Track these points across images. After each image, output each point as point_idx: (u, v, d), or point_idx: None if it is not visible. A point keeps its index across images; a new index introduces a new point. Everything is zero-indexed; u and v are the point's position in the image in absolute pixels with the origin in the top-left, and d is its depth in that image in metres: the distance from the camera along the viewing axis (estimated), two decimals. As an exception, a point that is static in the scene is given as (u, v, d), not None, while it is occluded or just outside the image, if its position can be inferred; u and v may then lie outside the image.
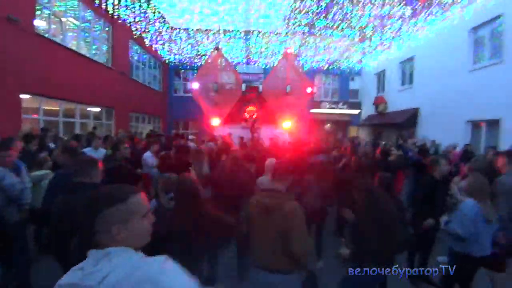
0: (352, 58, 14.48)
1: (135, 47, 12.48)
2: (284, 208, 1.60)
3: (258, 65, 15.04)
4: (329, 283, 2.70)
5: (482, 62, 8.58)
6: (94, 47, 9.53)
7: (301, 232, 1.60)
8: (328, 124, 17.53)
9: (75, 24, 8.56)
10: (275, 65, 11.65)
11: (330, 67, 15.67)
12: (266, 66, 14.85)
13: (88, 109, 9.41)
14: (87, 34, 9.16)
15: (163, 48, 13.12)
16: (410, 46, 11.80)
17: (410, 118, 11.37)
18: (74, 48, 8.29)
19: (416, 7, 8.78)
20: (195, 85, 9.55)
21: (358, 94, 17.34)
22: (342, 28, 10.38)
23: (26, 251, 2.81)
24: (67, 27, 8.13)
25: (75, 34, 8.59)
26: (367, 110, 15.93)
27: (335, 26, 10.32)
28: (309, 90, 10.06)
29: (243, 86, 10.09)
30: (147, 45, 12.43)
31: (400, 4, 8.64)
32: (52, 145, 5.04)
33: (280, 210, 1.60)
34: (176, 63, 15.14)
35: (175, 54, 14.03)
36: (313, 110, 16.39)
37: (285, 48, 11.24)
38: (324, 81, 17.35)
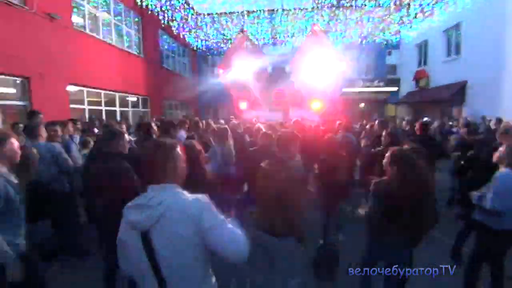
0: (389, 30, 13.24)
1: (164, 37, 12.88)
2: (281, 174, 1.65)
3: (285, 45, 14.58)
4: (351, 256, 2.68)
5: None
6: (127, 39, 10.06)
7: (292, 200, 1.63)
8: (362, 104, 16.60)
9: (108, 19, 9.07)
10: (302, 43, 11.20)
11: (363, 42, 14.56)
12: (293, 45, 14.33)
13: (127, 98, 10.12)
14: (120, 27, 9.68)
15: (190, 35, 13.34)
16: (456, 11, 10.37)
17: (457, 93, 10.22)
18: (109, 41, 8.85)
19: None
20: (221, 71, 9.66)
21: (396, 69, 15.99)
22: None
23: (75, 217, 3.32)
24: (101, 21, 8.66)
25: (109, 28, 9.13)
26: (407, 86, 14.66)
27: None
28: (339, 68, 9.55)
29: (270, 68, 9.94)
30: (175, 33, 12.74)
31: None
32: (96, 130, 5.61)
33: (278, 175, 1.65)
34: (203, 49, 15.34)
35: (202, 40, 14.20)
36: (346, 89, 15.56)
37: (312, 24, 10.66)
38: (358, 58, 16.23)
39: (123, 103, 9.89)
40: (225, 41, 13.94)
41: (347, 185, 3.60)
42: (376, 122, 5.10)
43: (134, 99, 10.66)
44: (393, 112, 15.47)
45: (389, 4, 10.15)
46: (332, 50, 10.46)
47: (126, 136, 2.51)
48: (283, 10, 10.25)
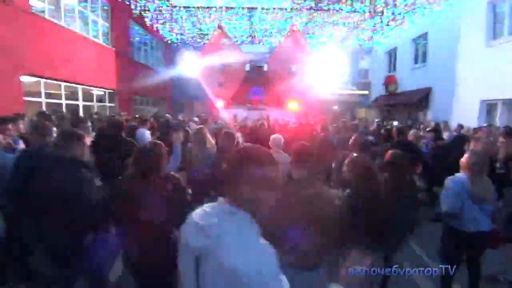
0: (362, 36, 13.76)
1: (136, 27, 12.11)
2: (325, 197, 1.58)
3: (263, 44, 14.49)
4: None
5: (500, 39, 7.99)
6: (93, 27, 9.27)
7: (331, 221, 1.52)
8: (336, 106, 17.10)
9: (72, 4, 8.26)
10: (280, 43, 11.19)
11: (339, 46, 14.98)
12: (271, 45, 14.30)
13: (91, 92, 9.33)
14: (85, 14, 8.87)
15: (164, 28, 12.70)
16: (424, 21, 11.07)
17: (423, 98, 10.91)
18: (72, 28, 8.06)
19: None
20: (198, 67, 9.30)
21: (368, 74, 16.71)
22: (352, 1, 9.74)
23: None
24: (64, 6, 7.85)
25: (73, 14, 8.32)
26: (377, 90, 15.39)
27: (343, 1, 9.69)
28: (315, 69, 9.67)
29: (247, 66, 9.78)
30: (148, 25, 12.04)
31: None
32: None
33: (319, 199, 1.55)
34: (178, 43, 14.72)
35: (177, 34, 13.60)
36: (321, 91, 15.90)
37: (291, 25, 10.69)
38: (333, 61, 16.64)
39: (87, 97, 9.10)
40: (201, 36, 13.49)
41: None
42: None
43: (100, 92, 9.87)
44: (363, 114, 16.14)
45: (365, 10, 10.48)
46: (309, 51, 10.59)
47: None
48: (262, 8, 10.12)
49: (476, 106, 8.50)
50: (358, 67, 16.72)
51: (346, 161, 2.15)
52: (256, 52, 14.70)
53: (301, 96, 10.14)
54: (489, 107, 8.40)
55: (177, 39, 14.20)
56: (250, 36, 13.35)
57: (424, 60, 11.61)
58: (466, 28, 8.99)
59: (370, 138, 4.63)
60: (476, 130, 6.17)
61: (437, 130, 5.93)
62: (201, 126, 4.14)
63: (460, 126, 6.90)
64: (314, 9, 10.38)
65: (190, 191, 2.06)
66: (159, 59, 14.91)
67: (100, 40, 9.51)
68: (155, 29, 12.68)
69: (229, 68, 9.47)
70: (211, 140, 3.54)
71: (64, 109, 7.74)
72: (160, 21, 11.88)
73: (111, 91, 10.27)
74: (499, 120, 7.86)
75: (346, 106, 16.81)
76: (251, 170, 0.87)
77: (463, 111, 8.74)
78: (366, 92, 16.34)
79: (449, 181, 2.41)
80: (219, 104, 9.14)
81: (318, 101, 15.66)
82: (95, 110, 9.07)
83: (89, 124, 3.26)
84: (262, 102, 10.46)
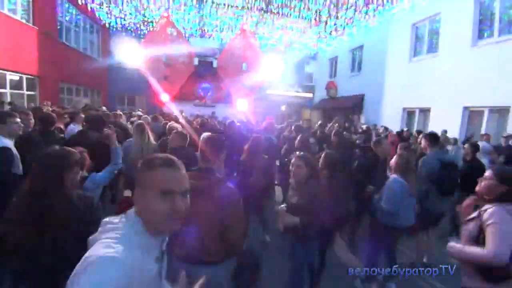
0: (308, 42, 14.59)
1: (66, 5, 10.51)
2: (217, 191, 1.46)
3: (213, 39, 14.14)
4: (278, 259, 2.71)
5: (419, 56, 9.42)
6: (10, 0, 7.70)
7: (237, 220, 1.47)
8: (284, 106, 17.81)
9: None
10: (231, 40, 11.08)
11: (287, 49, 15.60)
12: (222, 41, 14.06)
13: (6, 77, 7.74)
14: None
15: (102, 9, 11.31)
16: (360, 34, 12.33)
17: (357, 104, 12.16)
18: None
19: (368, -5, 9.02)
20: (140, 56, 8.54)
21: (313, 78, 17.84)
22: (299, 8, 10.22)
23: None
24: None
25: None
26: (320, 94, 16.56)
27: (292, 6, 10.10)
28: (265, 69, 9.86)
29: (196, 61, 9.41)
30: (80, 3, 10.55)
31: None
32: None
33: (212, 193, 1.44)
34: (118, 28, 13.30)
35: (117, 18, 12.26)
36: (269, 91, 16.38)
37: (242, 23, 10.68)
38: (281, 63, 17.29)
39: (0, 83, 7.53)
40: (145, 23, 12.43)
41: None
42: (293, 127, 5.47)
43: (16, 77, 8.27)
44: (308, 115, 17.21)
45: (310, 18, 11.10)
46: (258, 51, 10.76)
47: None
48: (213, 2, 9.84)
49: (399, 113, 9.86)
50: (304, 71, 17.70)
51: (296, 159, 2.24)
52: (205, 47, 14.29)
53: (250, 95, 10.24)
54: (409, 114, 9.83)
55: (116, 23, 12.79)
56: (200, 29, 12.88)
57: (359, 69, 12.94)
58: (394, 45, 10.34)
59: (311, 140, 4.91)
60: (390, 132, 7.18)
61: (366, 133, 6.63)
62: (141, 121, 3.81)
63: (385, 129, 7.90)
64: (264, 11, 10.54)
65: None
66: (93, 44, 13.23)
67: (17, 15, 7.95)
68: (89, 9, 11.18)
69: (175, 61, 8.97)
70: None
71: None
72: (96, 1, 10.53)
73: (31, 76, 8.70)
74: (416, 124, 9.28)
75: (292, 107, 17.65)
76: (142, 173, 0.83)
77: (389, 117, 10.04)
78: (311, 95, 17.44)
79: (390, 182, 2.66)
80: (164, 98, 8.58)
81: (267, 101, 16.10)
82: (8, 98, 7.56)
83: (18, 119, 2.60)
84: (210, 99, 10.18)
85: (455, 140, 6.35)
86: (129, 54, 9.46)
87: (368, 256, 2.83)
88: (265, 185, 3.40)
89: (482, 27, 7.35)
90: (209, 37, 13.83)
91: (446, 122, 7.60)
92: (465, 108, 7.58)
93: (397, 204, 2.56)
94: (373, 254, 2.83)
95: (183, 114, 8.07)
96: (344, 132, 5.49)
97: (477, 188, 1.74)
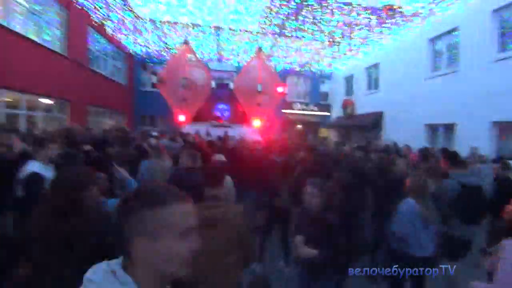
0: (323, 62, 14.79)
1: (96, 36, 11.51)
2: (232, 218, 1.48)
3: (230, 63, 14.75)
4: None
5: (439, 71, 9.18)
6: (47, 31, 8.56)
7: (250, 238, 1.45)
8: (299, 126, 17.79)
9: (23, 5, 7.59)
10: (247, 62, 11.48)
11: (301, 69, 15.88)
12: (238, 64, 14.62)
13: (39, 99, 8.42)
14: (37, 17, 8.18)
15: (128, 38, 12.27)
16: (375, 53, 12.35)
17: (375, 121, 11.87)
18: (21, 31, 7.34)
19: (381, 15, 9.12)
20: (160, 80, 9.04)
21: (328, 97, 17.82)
22: (313, 30, 10.49)
23: None
24: (13, 8, 7.17)
25: (23, 16, 7.61)
26: (336, 112, 16.42)
27: (305, 29, 10.40)
28: (280, 89, 10.02)
29: (213, 83, 9.77)
30: (109, 34, 11.52)
31: (366, 12, 8.89)
32: None
33: (228, 220, 1.46)
34: (142, 55, 14.29)
35: (141, 46, 13.21)
36: (285, 111, 16.49)
37: (257, 47, 11.09)
38: (296, 83, 17.55)
39: (32, 106, 8.19)
40: (167, 49, 13.27)
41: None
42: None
43: (48, 101, 8.97)
44: (325, 133, 16.99)
45: (324, 40, 11.33)
46: (273, 73, 11.02)
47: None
48: (230, 29, 10.38)
49: (421, 129, 9.48)
50: (320, 90, 17.78)
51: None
52: (222, 71, 14.89)
53: (266, 115, 10.35)
54: (432, 131, 9.41)
55: (141, 51, 13.77)
56: (218, 53, 13.52)
57: (376, 87, 12.78)
58: (411, 61, 10.18)
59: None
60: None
61: (386, 151, 6.37)
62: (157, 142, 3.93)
63: (408, 147, 7.56)
64: (278, 35, 10.92)
65: None
66: (120, 70, 14.22)
67: (51, 45, 8.78)
68: (117, 39, 12.18)
69: (194, 84, 9.36)
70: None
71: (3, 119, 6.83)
72: (123, 32, 11.46)
73: (62, 100, 9.41)
74: (440, 141, 8.83)
75: (308, 125, 17.56)
76: (144, 212, 0.65)
77: (410, 134, 9.64)
78: (327, 113, 17.33)
79: (401, 205, 2.48)
80: (181, 118, 8.87)
81: (282, 120, 16.18)
82: (41, 121, 8.18)
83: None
84: (226, 119, 10.40)
85: (483, 157, 5.93)
86: (152, 79, 10.04)
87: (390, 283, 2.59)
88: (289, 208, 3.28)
89: (505, 39, 7.11)
90: (226, 61, 14.45)
91: (474, 138, 7.19)
92: (494, 122, 7.15)
93: (406, 228, 2.34)
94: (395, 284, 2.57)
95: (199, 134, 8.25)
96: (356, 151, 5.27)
97: (504, 214, 1.56)
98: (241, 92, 9.85)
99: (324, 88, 17.89)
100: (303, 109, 17.11)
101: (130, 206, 0.66)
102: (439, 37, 9.23)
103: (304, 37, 11.27)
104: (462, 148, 6.80)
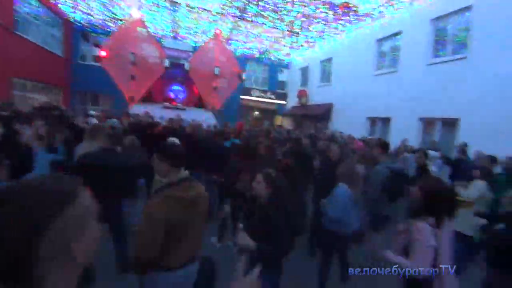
0: (281, 51, 15.01)
1: (24, -5, 9.71)
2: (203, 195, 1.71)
3: (187, 42, 13.96)
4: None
5: (382, 70, 10.11)
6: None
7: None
8: (256, 112, 18.00)
9: None
10: (205, 44, 11.02)
11: (261, 56, 15.90)
12: (195, 44, 13.94)
13: None
14: None
15: (66, 2, 10.66)
16: (330, 47, 12.98)
17: (326, 112, 12.65)
18: None
19: (337, 11, 9.54)
20: (103, 53, 8.15)
21: (285, 86, 18.29)
22: (273, 18, 10.49)
23: None
24: None
25: None
26: (292, 101, 17.00)
27: (266, 16, 10.34)
28: (238, 74, 9.91)
29: (167, 62, 9.17)
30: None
31: (324, 6, 9.20)
32: None
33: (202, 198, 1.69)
34: (84, 24, 12.61)
35: (83, 13, 11.63)
36: (243, 97, 16.48)
37: (216, 28, 10.69)
38: (255, 70, 17.56)
39: None
40: (114, 20, 11.92)
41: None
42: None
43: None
44: (280, 121, 17.54)
45: (284, 29, 11.44)
46: (232, 57, 10.81)
47: None
48: (187, 6, 9.72)
49: (364, 122, 10.44)
50: (278, 78, 18.11)
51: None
52: (178, 49, 14.04)
53: (222, 99, 10.19)
54: (372, 123, 10.43)
55: (82, 19, 12.13)
56: (173, 31, 12.65)
57: (328, 80, 13.54)
58: (360, 58, 10.98)
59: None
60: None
61: (331, 140, 6.90)
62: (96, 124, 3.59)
63: (350, 138, 8.29)
64: (239, 18, 10.66)
65: None
66: (55, 38, 12.35)
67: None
68: (53, 1, 10.48)
69: (145, 61, 8.67)
70: None
71: None
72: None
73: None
74: (379, 133, 9.86)
75: (265, 113, 17.89)
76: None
77: (355, 125, 10.55)
78: (283, 101, 17.84)
79: (336, 190, 2.72)
80: (131, 99, 8.21)
81: (239, 106, 16.17)
82: None
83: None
84: (181, 101, 9.94)
85: (411, 147, 6.85)
86: (95, 51, 8.95)
87: (322, 262, 2.90)
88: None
89: (438, 46, 8.11)
90: (182, 40, 13.64)
91: (405, 131, 8.23)
92: (420, 118, 8.25)
93: (341, 211, 2.61)
94: (325, 261, 2.88)
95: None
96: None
97: (411, 196, 1.84)
98: (197, 74, 9.46)
99: (282, 77, 18.27)
100: (260, 96, 17.30)
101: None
102: (385, 38, 10.09)
103: (265, 24, 11.22)
104: (396, 139, 7.76)
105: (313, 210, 3.57)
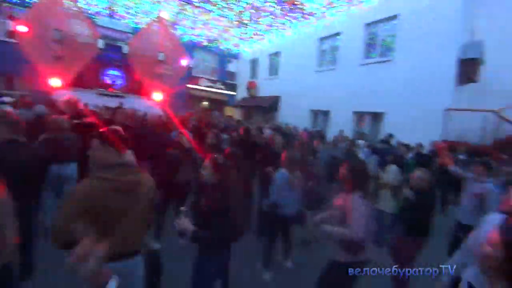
0: (230, 41, 14.82)
1: None
2: (146, 183, 1.60)
3: (125, 22, 12.65)
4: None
5: (323, 67, 10.89)
6: None
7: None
8: (206, 102, 17.54)
9: None
10: (147, 25, 10.18)
11: (209, 45, 15.45)
12: (136, 25, 12.75)
13: None
14: None
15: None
16: (278, 42, 13.37)
17: (273, 104, 13.11)
18: None
19: (285, 7, 9.80)
20: (22, 28, 6.88)
21: (235, 76, 18.21)
22: (222, 6, 10.25)
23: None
24: None
25: None
26: (242, 92, 17.07)
27: (214, 3, 10.04)
28: (184, 62, 9.48)
29: (102, 43, 8.22)
30: None
31: (273, 0, 9.35)
32: None
33: (143, 186, 1.57)
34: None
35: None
36: (190, 86, 15.86)
37: (159, 10, 9.95)
38: (203, 58, 16.99)
39: None
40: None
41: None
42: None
43: None
44: (230, 112, 17.48)
45: (232, 18, 11.28)
46: (178, 43, 10.26)
47: None
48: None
49: (307, 114, 11.16)
50: (227, 69, 17.89)
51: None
52: (115, 30, 12.63)
53: (168, 87, 9.65)
54: (314, 115, 11.23)
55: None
56: (109, 8, 11.31)
57: (276, 73, 13.99)
58: (304, 54, 11.60)
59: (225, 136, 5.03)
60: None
61: (277, 130, 7.25)
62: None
63: (295, 129, 8.81)
64: (185, 1, 10.11)
65: None
66: None
67: None
68: None
69: (73, 40, 7.61)
70: None
71: None
72: None
73: None
74: (320, 124, 10.69)
75: (215, 103, 17.58)
76: None
77: (299, 118, 11.20)
78: (234, 93, 17.78)
79: (276, 175, 2.91)
80: (55, 83, 7.17)
81: (186, 95, 15.55)
82: None
83: None
84: (119, 87, 9.07)
85: (347, 137, 7.63)
86: (9, 25, 7.43)
87: (265, 245, 3.08)
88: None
89: (370, 49, 9.07)
90: (120, 19, 12.32)
91: (342, 123, 9.12)
92: (354, 112, 9.22)
93: (280, 195, 2.83)
94: (269, 241, 3.08)
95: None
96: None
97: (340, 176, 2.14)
98: (138, 58, 8.72)
99: (231, 67, 18.10)
100: (209, 86, 16.89)
101: None
102: (326, 38, 10.84)
103: (213, 11, 10.89)
104: (335, 130, 8.54)
105: (259, 196, 3.74)
